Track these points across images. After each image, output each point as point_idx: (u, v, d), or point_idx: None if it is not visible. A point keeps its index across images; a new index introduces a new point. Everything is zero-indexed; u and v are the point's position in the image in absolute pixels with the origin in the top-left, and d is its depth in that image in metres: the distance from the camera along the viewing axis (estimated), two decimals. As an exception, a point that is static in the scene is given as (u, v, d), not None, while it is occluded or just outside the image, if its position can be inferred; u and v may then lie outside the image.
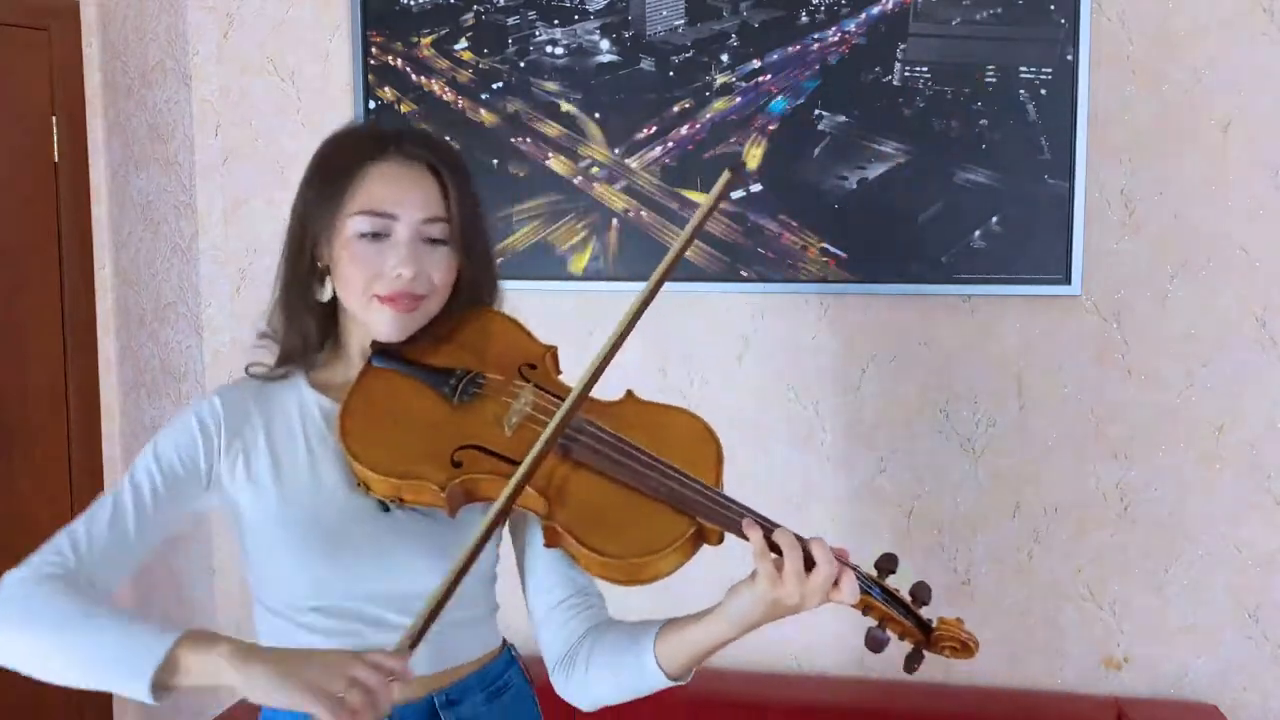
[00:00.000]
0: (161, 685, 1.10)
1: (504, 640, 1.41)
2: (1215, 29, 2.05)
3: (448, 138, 2.32)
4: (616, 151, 2.29)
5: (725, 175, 1.25)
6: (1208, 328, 2.10)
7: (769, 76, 2.21)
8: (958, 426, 2.20)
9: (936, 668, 2.23)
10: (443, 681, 1.31)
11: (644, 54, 2.26)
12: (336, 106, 2.41)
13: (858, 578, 1.16)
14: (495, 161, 2.33)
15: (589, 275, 2.32)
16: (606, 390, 1.27)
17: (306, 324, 1.34)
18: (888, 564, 1.23)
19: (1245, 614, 2.12)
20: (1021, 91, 2.11)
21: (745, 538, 1.14)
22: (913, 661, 1.21)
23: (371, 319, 1.29)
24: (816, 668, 2.29)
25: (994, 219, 2.14)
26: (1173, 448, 2.12)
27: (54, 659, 1.16)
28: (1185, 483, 2.12)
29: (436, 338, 1.33)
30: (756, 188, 2.23)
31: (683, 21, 2.24)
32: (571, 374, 1.29)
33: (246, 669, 1.08)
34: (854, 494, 2.25)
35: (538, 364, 1.32)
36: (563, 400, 1.25)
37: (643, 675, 1.23)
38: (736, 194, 2.23)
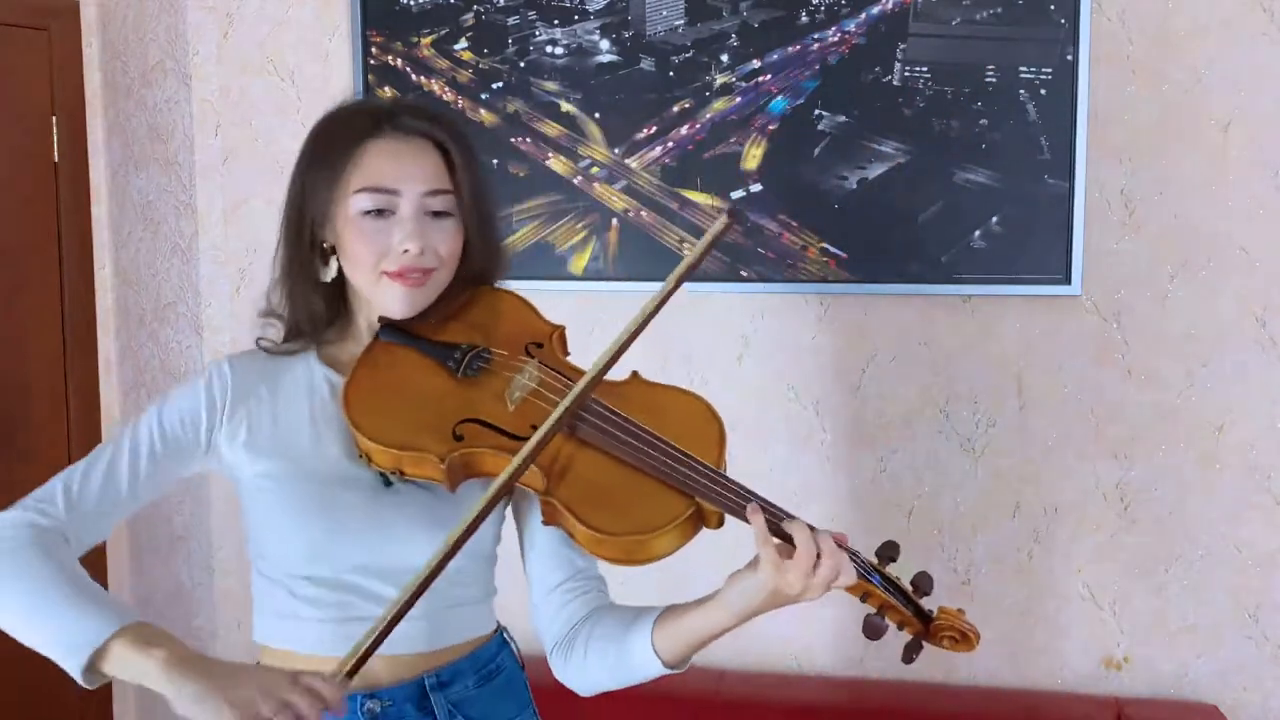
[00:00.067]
0: (94, 669, 1.11)
1: (498, 624, 1.41)
2: (1215, 29, 2.05)
3: (448, 138, 2.34)
4: (616, 151, 2.29)
5: (722, 220, 1.26)
6: (1208, 328, 2.10)
7: (769, 76, 2.21)
8: (958, 426, 2.20)
9: (937, 667, 2.23)
10: (434, 663, 1.31)
11: (644, 54, 2.26)
12: (341, 101, 2.40)
13: (858, 564, 1.16)
14: (495, 161, 2.33)
15: (589, 275, 2.32)
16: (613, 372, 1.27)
17: (312, 302, 1.34)
18: (888, 551, 1.23)
19: (1245, 614, 2.12)
20: (1021, 91, 2.11)
21: (748, 521, 1.14)
22: (911, 651, 1.21)
23: (381, 296, 1.30)
24: (816, 668, 2.29)
25: (994, 219, 2.14)
26: (1173, 448, 2.12)
27: (7, 609, 1.17)
28: (1185, 483, 2.12)
29: (445, 315, 1.33)
30: (756, 188, 2.23)
31: (683, 21, 2.24)
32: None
33: (176, 680, 1.08)
34: (854, 494, 2.25)
35: (544, 343, 1.33)
36: (566, 378, 1.26)
37: (639, 662, 1.23)
38: (737, 194, 2.23)
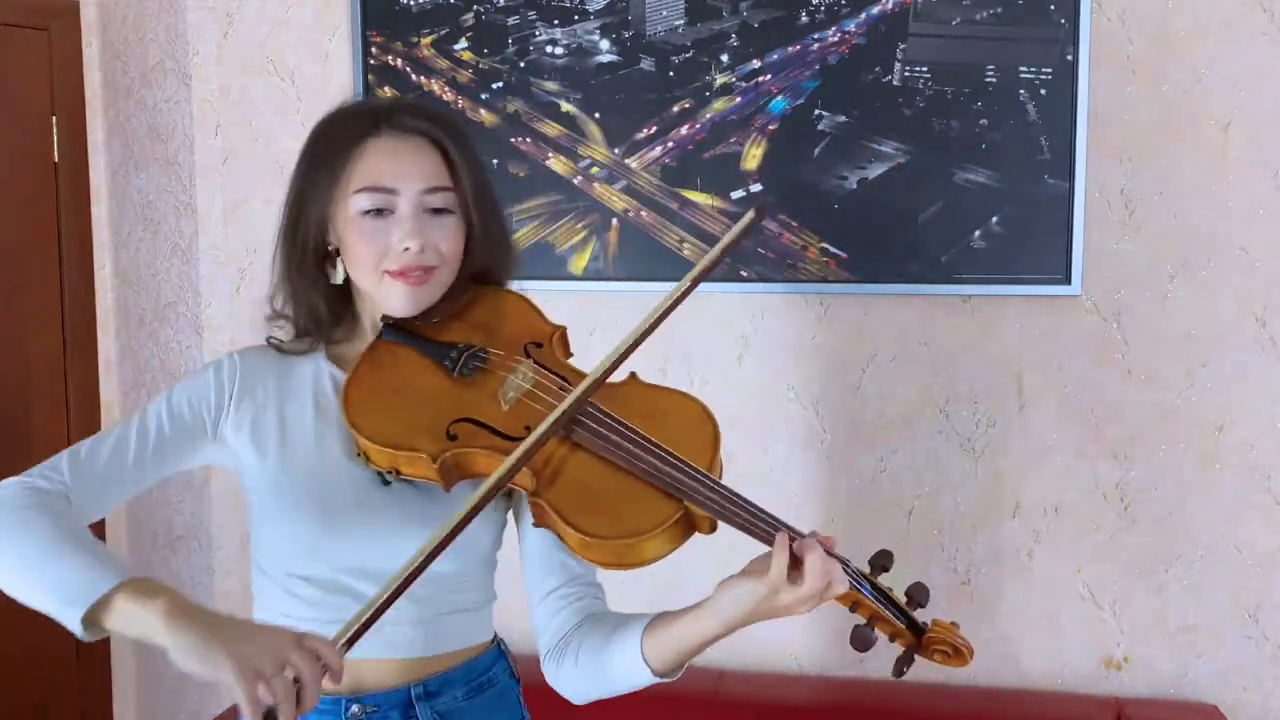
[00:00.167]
0: (94, 622, 1.09)
1: (495, 635, 1.41)
2: (1215, 29, 2.05)
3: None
4: (616, 151, 2.29)
5: (750, 214, 1.24)
6: (1208, 328, 2.10)
7: (769, 76, 2.21)
8: (958, 426, 2.20)
9: (937, 667, 2.23)
10: (426, 670, 1.30)
11: (644, 54, 2.26)
12: (341, 101, 2.40)
13: (849, 573, 1.15)
14: (495, 161, 2.33)
15: (589, 275, 2.32)
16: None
17: (314, 303, 1.34)
18: (882, 561, 1.21)
19: (1245, 614, 2.12)
20: (1021, 91, 2.11)
21: (735, 526, 1.13)
22: (902, 664, 1.19)
23: (384, 295, 1.30)
24: (816, 668, 2.29)
25: (994, 219, 2.14)
26: (1173, 448, 2.12)
27: (4, 564, 1.14)
28: (1185, 483, 2.12)
29: (449, 314, 1.33)
30: (756, 188, 2.23)
31: (683, 21, 2.24)
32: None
33: (177, 631, 1.05)
34: (854, 494, 2.25)
35: (544, 343, 1.32)
36: (561, 379, 1.26)
37: (628, 670, 1.23)
38: (736, 194, 2.23)
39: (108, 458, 1.26)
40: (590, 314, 2.25)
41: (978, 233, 2.15)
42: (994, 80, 2.12)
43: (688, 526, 1.17)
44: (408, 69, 2.38)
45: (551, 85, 2.31)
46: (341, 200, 1.29)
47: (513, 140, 2.34)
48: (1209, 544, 2.12)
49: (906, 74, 2.15)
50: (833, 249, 2.21)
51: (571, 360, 1.33)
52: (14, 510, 1.17)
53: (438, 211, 1.29)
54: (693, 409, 1.25)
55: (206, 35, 2.51)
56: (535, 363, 1.29)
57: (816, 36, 2.18)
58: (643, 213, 2.29)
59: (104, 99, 2.67)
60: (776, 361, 2.27)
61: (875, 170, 2.17)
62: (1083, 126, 2.09)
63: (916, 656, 1.19)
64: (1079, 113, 2.09)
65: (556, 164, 2.32)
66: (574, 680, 1.28)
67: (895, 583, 1.21)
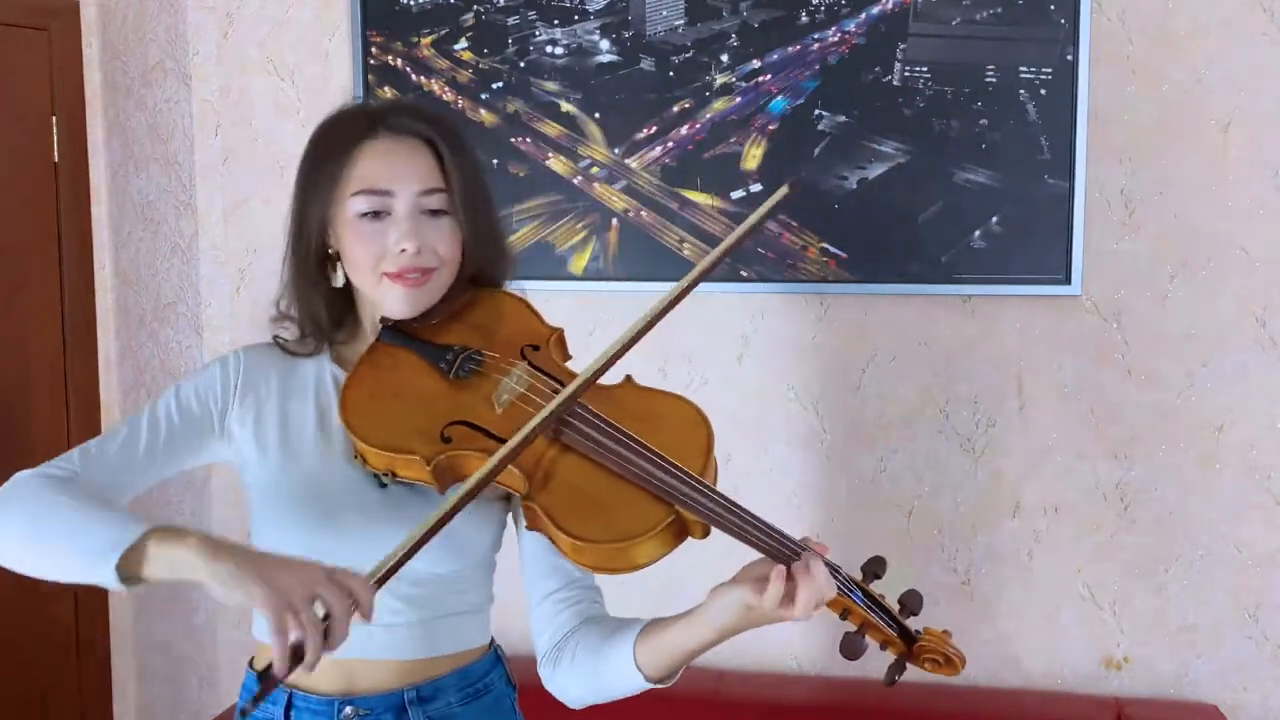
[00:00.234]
0: (130, 575, 1.09)
1: (492, 640, 1.40)
2: (1215, 29, 2.05)
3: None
4: (616, 151, 2.29)
5: (784, 189, 1.25)
6: (1208, 328, 2.10)
7: (769, 76, 2.21)
8: (958, 426, 2.20)
9: (936, 668, 2.23)
10: (421, 674, 1.30)
11: (644, 54, 2.26)
12: (339, 105, 2.40)
13: (839, 580, 1.14)
14: (495, 161, 2.33)
15: (589, 275, 2.32)
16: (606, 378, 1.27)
17: (316, 306, 1.35)
18: (874, 568, 1.20)
19: (1245, 614, 2.12)
20: (1021, 91, 2.11)
21: (728, 533, 1.13)
22: (894, 672, 1.18)
23: (382, 297, 1.30)
24: (816, 668, 2.29)
25: (994, 219, 2.14)
26: (1173, 448, 2.12)
27: (31, 542, 1.14)
28: (1185, 483, 2.12)
29: (447, 317, 1.34)
30: (756, 188, 2.23)
31: (683, 21, 2.24)
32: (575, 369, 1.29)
33: (213, 562, 1.05)
34: (854, 494, 2.25)
35: (541, 345, 1.32)
36: (555, 381, 1.25)
37: (622, 676, 1.22)
38: (736, 194, 2.23)
39: (118, 450, 1.27)
40: (590, 314, 2.25)
41: (978, 233, 2.15)
42: (994, 80, 2.12)
43: (680, 531, 1.16)
44: (408, 69, 2.38)
45: (551, 85, 2.31)
46: (339, 203, 1.29)
47: (513, 140, 2.34)
48: (1209, 544, 2.12)
49: (906, 74, 2.15)
50: (833, 249, 2.21)
51: (569, 363, 1.32)
52: (32, 493, 1.17)
53: (435, 213, 1.29)
54: (687, 412, 1.24)
55: (206, 35, 2.51)
56: (530, 365, 1.28)
57: (816, 36, 2.18)
58: (643, 213, 2.29)
59: (104, 99, 2.67)
60: (776, 361, 2.27)
61: (875, 170, 2.17)
62: (1083, 126, 2.09)
63: (908, 665, 1.19)
64: (1079, 113, 2.09)
65: (556, 164, 2.32)
66: (569, 684, 1.29)
67: (893, 587, 1.21)
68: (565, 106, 2.31)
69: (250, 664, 1.36)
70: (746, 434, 2.27)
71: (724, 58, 2.22)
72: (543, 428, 1.17)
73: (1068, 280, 2.12)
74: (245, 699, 1.24)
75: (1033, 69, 2.10)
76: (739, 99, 2.22)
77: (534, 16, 2.30)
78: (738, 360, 2.29)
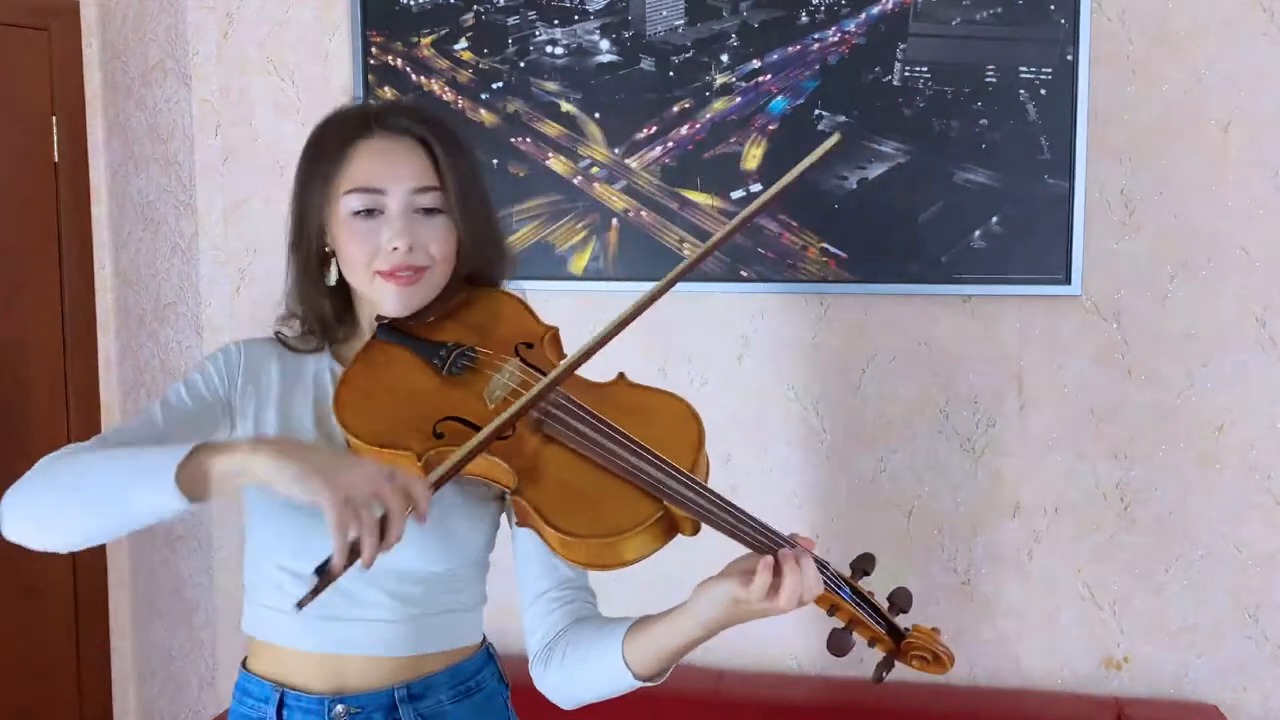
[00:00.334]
0: (190, 493, 1.07)
1: (484, 638, 1.40)
2: (1215, 29, 2.05)
3: (448, 138, 2.34)
4: (616, 151, 2.29)
5: (835, 137, 1.26)
6: (1208, 328, 2.10)
7: (769, 76, 2.21)
8: (958, 426, 2.20)
9: (936, 668, 2.23)
10: (412, 672, 1.30)
11: (644, 54, 2.26)
12: (338, 105, 2.40)
13: (826, 576, 1.14)
14: (495, 161, 2.33)
15: (589, 275, 2.32)
16: (606, 374, 1.28)
17: (320, 305, 1.35)
18: (863, 564, 1.20)
19: (1245, 614, 2.12)
20: (1021, 91, 2.11)
21: (716, 528, 1.13)
22: (882, 669, 1.18)
23: (377, 295, 1.31)
24: (816, 668, 2.29)
25: (994, 219, 2.14)
26: (1173, 448, 2.12)
27: (84, 497, 1.13)
28: (1185, 483, 2.12)
29: (443, 315, 1.34)
30: (756, 187, 2.23)
31: (683, 21, 2.24)
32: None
33: (276, 458, 1.06)
34: (854, 494, 2.25)
35: (535, 343, 1.32)
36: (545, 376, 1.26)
37: (611, 674, 1.22)
38: (737, 194, 2.23)
39: (136, 430, 1.28)
40: (590, 314, 2.24)
41: (978, 232, 2.15)
42: (994, 80, 2.12)
43: (669, 527, 1.16)
44: (408, 69, 2.38)
45: (551, 85, 2.31)
46: (334, 202, 1.29)
47: (513, 140, 2.34)
48: (1209, 544, 2.12)
49: (906, 74, 2.15)
50: (833, 249, 2.21)
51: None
52: (68, 457, 1.17)
53: (429, 212, 1.30)
54: (678, 409, 1.24)
55: (206, 35, 2.51)
56: (523, 362, 1.29)
57: (816, 36, 2.18)
58: (643, 213, 2.29)
59: (104, 99, 2.67)
60: (776, 361, 2.27)
61: (875, 170, 2.17)
62: (1083, 126, 2.09)
63: (896, 662, 1.19)
64: (1079, 113, 2.09)
65: (556, 164, 2.32)
66: (559, 684, 1.29)
67: (888, 585, 1.21)
68: (565, 106, 2.31)
69: (244, 664, 1.36)
70: (746, 434, 2.27)
71: (724, 58, 2.22)
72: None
73: (1068, 280, 2.12)
74: (300, 601, 1.20)
75: (1033, 69, 2.10)
76: (739, 99, 2.22)
77: (534, 16, 2.30)
78: (738, 360, 2.29)
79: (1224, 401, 2.10)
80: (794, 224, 2.22)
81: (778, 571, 1.11)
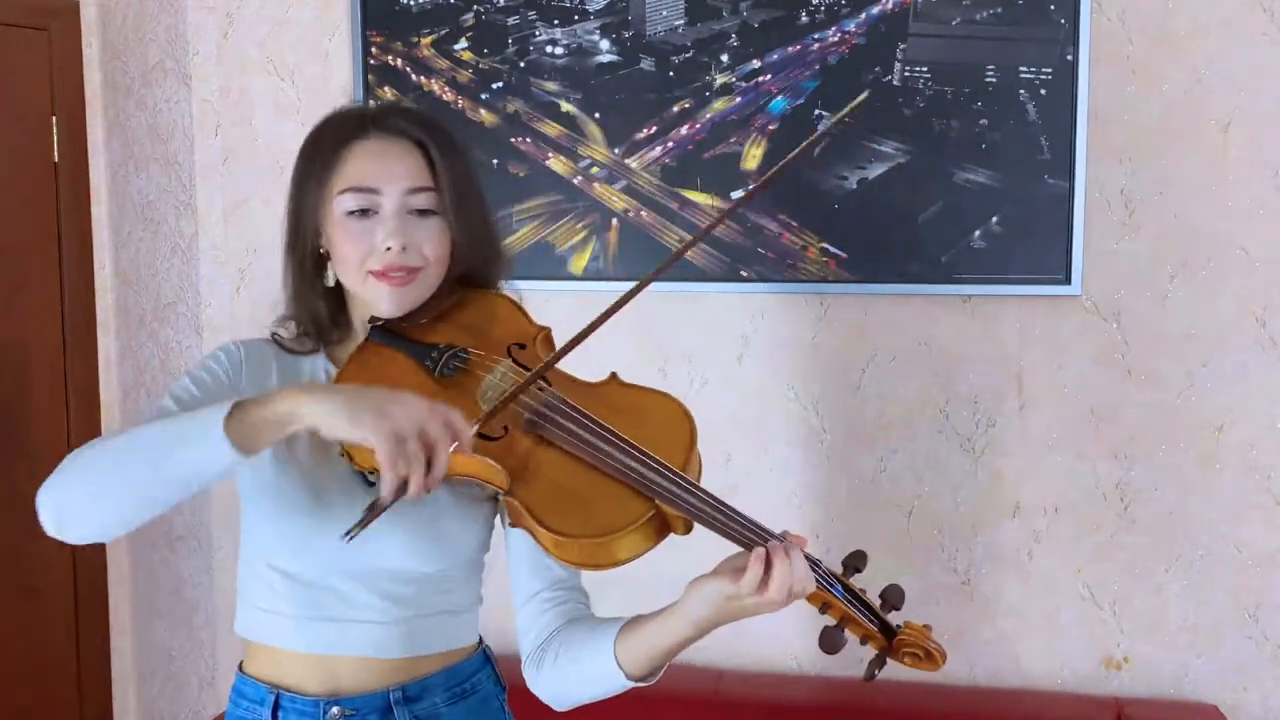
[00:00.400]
0: (241, 445, 1.08)
1: (480, 640, 1.40)
2: (1215, 29, 2.05)
3: (448, 138, 2.34)
4: (616, 151, 2.29)
5: (865, 94, 1.28)
6: (1208, 328, 2.10)
7: (769, 76, 2.21)
8: (958, 426, 2.20)
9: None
10: (407, 674, 1.30)
11: (644, 54, 2.26)
12: (336, 106, 2.40)
13: (818, 574, 1.14)
14: (495, 161, 2.33)
15: (589, 275, 2.32)
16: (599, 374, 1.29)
17: (315, 306, 1.36)
18: (855, 561, 1.20)
19: (1245, 614, 2.12)
20: (1021, 91, 2.11)
21: (710, 528, 1.13)
22: (874, 667, 1.18)
23: (369, 295, 1.31)
24: (816, 668, 2.29)
25: (994, 219, 2.14)
26: (1173, 448, 2.12)
27: (121, 473, 1.13)
28: (1185, 483, 2.12)
29: (436, 316, 1.34)
30: (756, 188, 2.23)
31: (683, 21, 2.24)
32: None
33: (322, 402, 1.08)
34: (854, 494, 2.25)
35: (528, 344, 1.32)
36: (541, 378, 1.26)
37: (603, 675, 1.22)
38: (737, 194, 2.23)
39: (153, 418, 1.25)
40: (590, 314, 2.24)
41: (978, 233, 2.15)
42: (994, 80, 2.12)
43: (661, 527, 1.16)
44: (408, 69, 2.38)
45: (551, 85, 2.31)
46: (329, 202, 1.30)
47: (513, 140, 2.34)
48: (1209, 544, 2.12)
49: (906, 74, 2.15)
50: (833, 249, 2.21)
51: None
52: (94, 445, 1.16)
53: (423, 213, 1.30)
54: (669, 408, 1.25)
55: (206, 35, 2.51)
56: (515, 362, 1.29)
57: (816, 36, 2.18)
58: (643, 213, 2.29)
59: (104, 99, 2.67)
60: (776, 361, 2.27)
61: (875, 170, 2.17)
62: (1083, 126, 2.09)
63: (888, 659, 1.19)
64: (1079, 113, 2.09)
65: (556, 164, 2.32)
66: (552, 685, 1.29)
67: (887, 582, 1.20)
68: (565, 106, 2.31)
69: (240, 667, 1.36)
70: (746, 434, 2.27)
71: (724, 58, 2.22)
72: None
73: (1068, 280, 2.12)
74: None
75: (1033, 69, 2.10)
76: (739, 99, 2.22)
77: (534, 16, 2.30)
78: (738, 360, 2.29)
79: (1224, 401, 2.10)
80: (794, 224, 2.22)
81: (768, 564, 1.11)
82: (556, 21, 2.29)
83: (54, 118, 2.64)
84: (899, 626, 1.19)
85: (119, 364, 2.73)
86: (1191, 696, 2.15)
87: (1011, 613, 2.21)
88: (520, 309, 1.38)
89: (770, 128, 2.21)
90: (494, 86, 2.34)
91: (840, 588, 1.16)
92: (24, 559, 2.60)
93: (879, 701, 2.15)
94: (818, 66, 2.18)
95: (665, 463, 1.16)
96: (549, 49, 2.30)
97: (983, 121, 2.13)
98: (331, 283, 1.34)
